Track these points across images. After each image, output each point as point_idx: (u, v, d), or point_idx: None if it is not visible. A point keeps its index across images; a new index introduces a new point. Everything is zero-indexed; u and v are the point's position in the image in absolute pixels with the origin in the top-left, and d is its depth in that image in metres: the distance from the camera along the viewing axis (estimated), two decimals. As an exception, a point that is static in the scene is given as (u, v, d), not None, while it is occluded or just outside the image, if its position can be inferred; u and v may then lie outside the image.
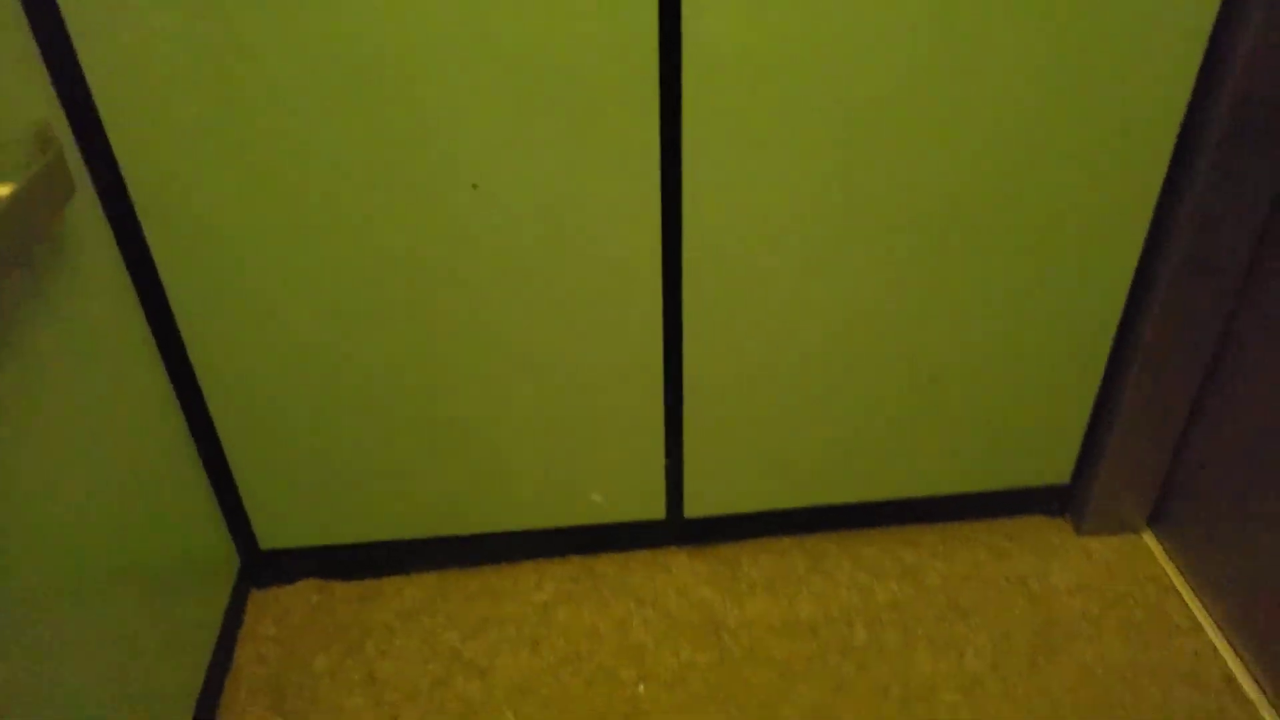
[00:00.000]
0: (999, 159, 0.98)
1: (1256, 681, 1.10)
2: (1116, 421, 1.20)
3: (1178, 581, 1.24)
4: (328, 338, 1.03)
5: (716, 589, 1.24)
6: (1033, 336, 1.14)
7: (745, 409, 1.15)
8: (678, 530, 1.29)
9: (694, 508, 1.25)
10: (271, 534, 1.21)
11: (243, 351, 1.03)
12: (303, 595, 1.25)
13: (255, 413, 1.08)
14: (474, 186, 0.93)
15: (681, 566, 1.27)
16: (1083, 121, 0.97)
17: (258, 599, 1.24)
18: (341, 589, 1.25)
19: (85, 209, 0.88)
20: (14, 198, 0.70)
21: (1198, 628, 1.18)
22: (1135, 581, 1.24)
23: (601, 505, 1.22)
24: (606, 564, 1.28)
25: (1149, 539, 1.31)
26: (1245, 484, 1.11)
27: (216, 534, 1.16)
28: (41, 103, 0.82)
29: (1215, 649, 1.15)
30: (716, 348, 1.09)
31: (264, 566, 1.24)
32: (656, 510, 1.24)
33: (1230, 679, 1.11)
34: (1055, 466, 1.29)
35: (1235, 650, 1.14)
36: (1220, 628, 1.17)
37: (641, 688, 1.12)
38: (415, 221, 0.95)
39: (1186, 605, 1.21)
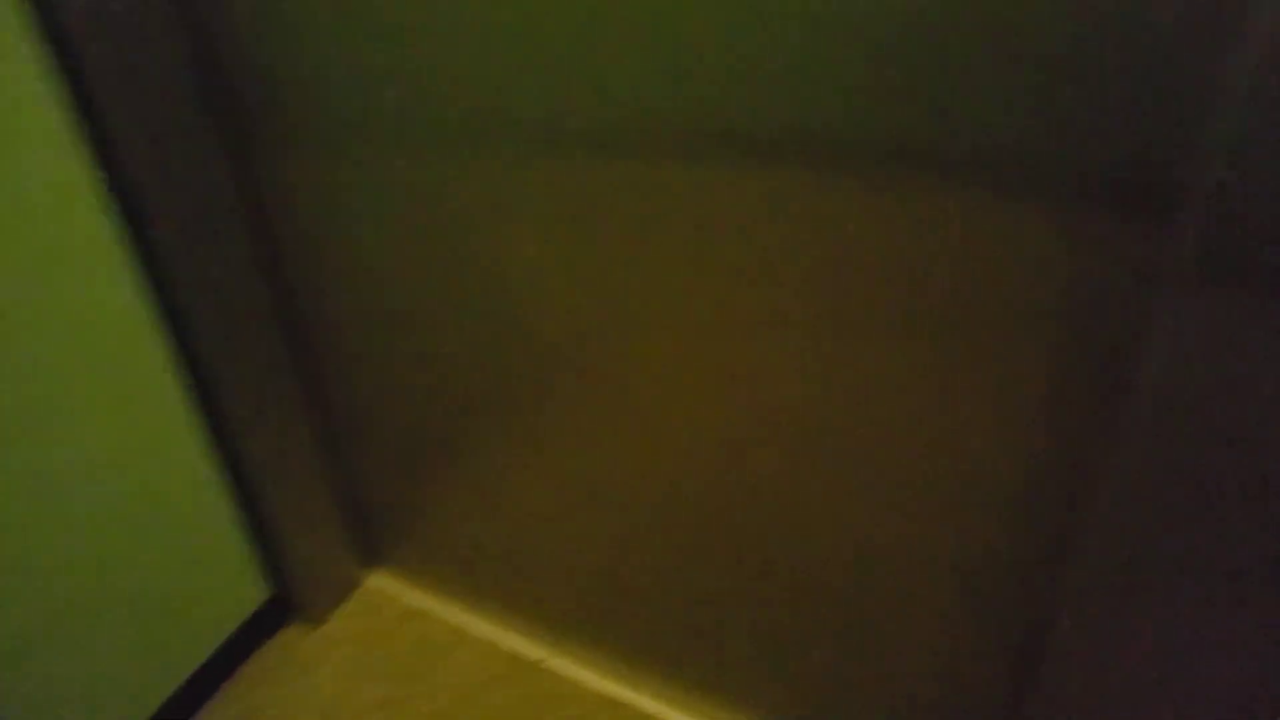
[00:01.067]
0: None
1: (537, 641, 1.10)
2: (281, 513, 1.03)
3: (425, 601, 1.16)
4: None
5: None
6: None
7: None
8: None
9: None
10: None
11: None
12: None
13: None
14: None
15: None
16: None
17: None
18: None
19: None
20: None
21: (463, 630, 1.12)
22: (393, 627, 1.13)
23: None
24: None
25: (379, 580, 1.20)
26: (404, 482, 1.06)
27: None
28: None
29: (489, 639, 1.11)
30: None
31: None
32: None
33: (515, 655, 1.09)
34: (234, 597, 1.08)
35: (502, 624, 1.11)
36: (480, 614, 1.13)
37: None
38: None
39: (442, 618, 1.14)
